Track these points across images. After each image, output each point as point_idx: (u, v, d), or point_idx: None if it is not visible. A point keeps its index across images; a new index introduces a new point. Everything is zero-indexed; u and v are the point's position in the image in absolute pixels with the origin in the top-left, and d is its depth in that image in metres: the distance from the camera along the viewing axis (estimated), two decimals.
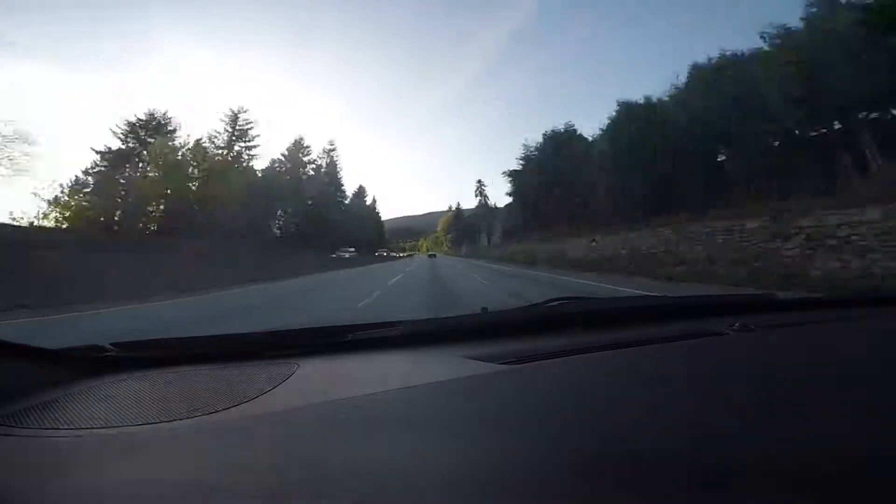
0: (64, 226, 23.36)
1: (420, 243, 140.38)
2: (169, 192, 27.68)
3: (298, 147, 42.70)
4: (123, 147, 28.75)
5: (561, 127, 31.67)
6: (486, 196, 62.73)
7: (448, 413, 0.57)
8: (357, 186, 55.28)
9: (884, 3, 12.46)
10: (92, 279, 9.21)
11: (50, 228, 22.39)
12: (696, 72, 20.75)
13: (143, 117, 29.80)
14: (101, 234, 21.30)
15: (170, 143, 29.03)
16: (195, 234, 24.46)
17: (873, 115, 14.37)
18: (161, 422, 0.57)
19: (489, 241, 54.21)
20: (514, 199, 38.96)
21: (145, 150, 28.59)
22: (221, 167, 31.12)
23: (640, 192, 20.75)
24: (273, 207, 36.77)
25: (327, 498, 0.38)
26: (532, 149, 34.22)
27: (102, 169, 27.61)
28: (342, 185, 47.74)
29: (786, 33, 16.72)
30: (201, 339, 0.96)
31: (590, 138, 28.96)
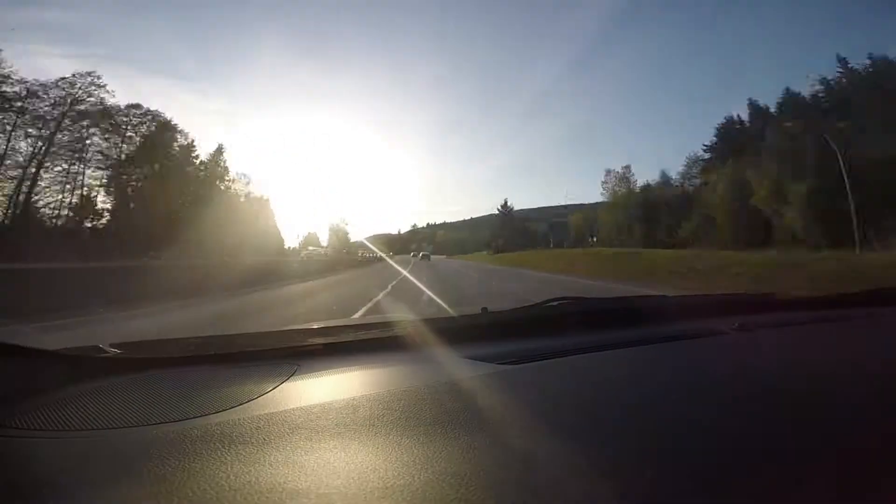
0: None
1: None
2: None
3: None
4: None
5: None
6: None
7: (448, 414, 0.57)
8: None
9: None
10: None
11: None
12: None
13: None
14: None
15: None
16: None
17: None
18: (161, 423, 0.57)
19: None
20: None
21: None
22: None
23: None
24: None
25: (328, 499, 0.38)
26: None
27: None
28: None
29: None
30: (200, 340, 0.96)
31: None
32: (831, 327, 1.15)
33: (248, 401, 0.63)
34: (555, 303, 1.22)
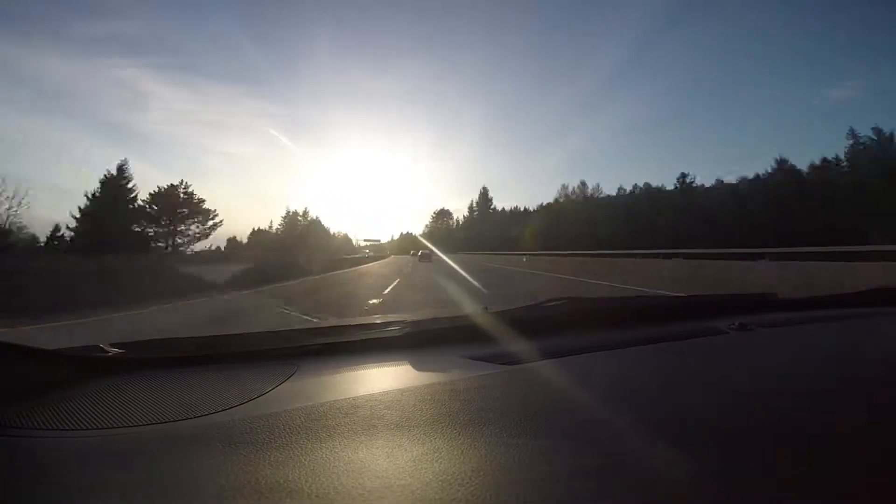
0: None
1: None
2: None
3: None
4: None
5: None
6: None
7: (448, 414, 0.57)
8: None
9: None
10: None
11: None
12: None
13: None
14: None
15: None
16: None
17: None
18: (160, 423, 0.57)
19: None
20: None
21: None
22: None
23: None
24: None
25: (328, 499, 0.39)
26: None
27: None
28: None
29: None
30: (200, 340, 0.96)
31: None
32: (831, 327, 1.15)
33: (248, 401, 0.63)
34: (554, 303, 1.22)
